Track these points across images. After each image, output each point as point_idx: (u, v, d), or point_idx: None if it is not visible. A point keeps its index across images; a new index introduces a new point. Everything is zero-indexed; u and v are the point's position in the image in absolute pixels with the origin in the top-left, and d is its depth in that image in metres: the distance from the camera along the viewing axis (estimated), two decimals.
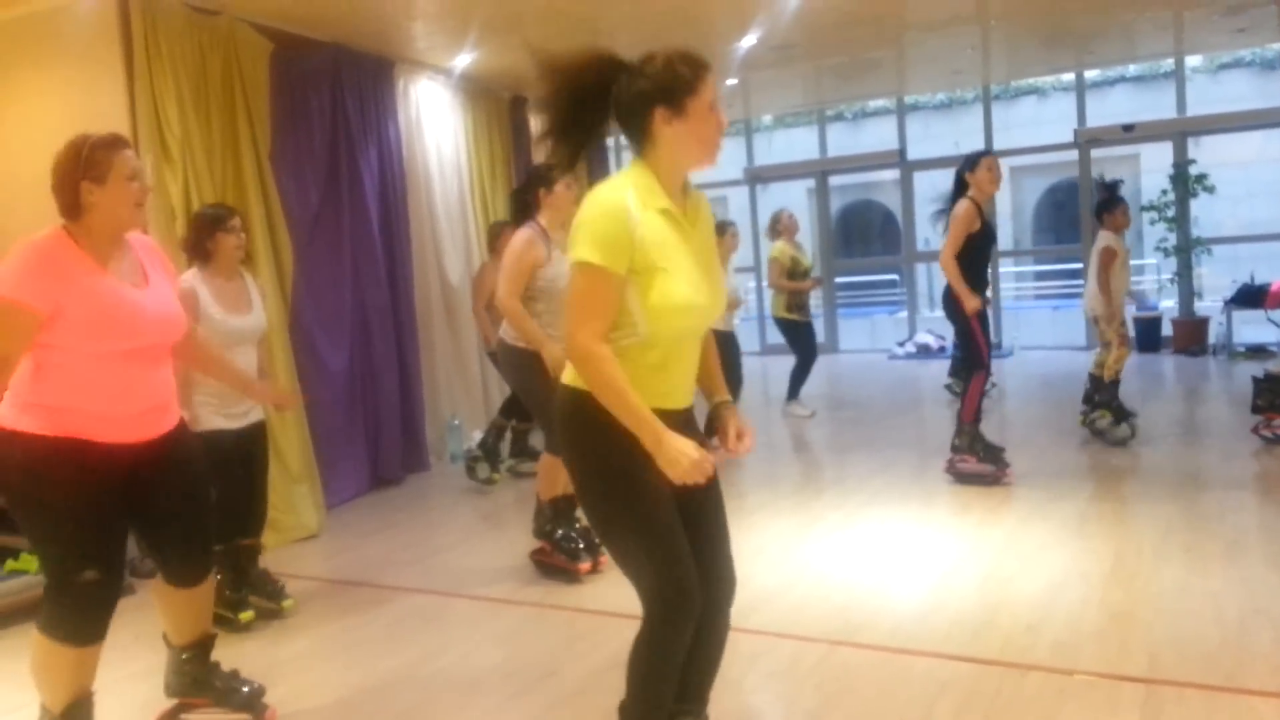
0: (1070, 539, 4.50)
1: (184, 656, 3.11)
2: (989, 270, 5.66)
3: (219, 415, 3.93)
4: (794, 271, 7.93)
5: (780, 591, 4.06)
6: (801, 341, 8.16)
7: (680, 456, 2.14)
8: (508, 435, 6.68)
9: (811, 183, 14.42)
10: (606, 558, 4.29)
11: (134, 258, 2.86)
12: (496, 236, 6.45)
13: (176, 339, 2.93)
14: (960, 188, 5.50)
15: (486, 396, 7.90)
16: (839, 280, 13.71)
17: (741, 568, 4.47)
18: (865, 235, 21.54)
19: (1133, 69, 16.22)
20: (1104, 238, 6.39)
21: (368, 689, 3.42)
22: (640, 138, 2.26)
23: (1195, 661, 3.13)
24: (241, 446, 4.03)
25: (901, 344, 12.28)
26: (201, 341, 3.43)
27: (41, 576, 4.25)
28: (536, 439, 6.52)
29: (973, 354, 5.49)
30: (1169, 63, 12.52)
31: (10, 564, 4.45)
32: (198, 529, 3.01)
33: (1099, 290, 6.34)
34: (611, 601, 4.00)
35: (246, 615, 4.14)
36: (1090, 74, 13.08)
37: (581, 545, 4.45)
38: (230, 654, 3.81)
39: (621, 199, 2.19)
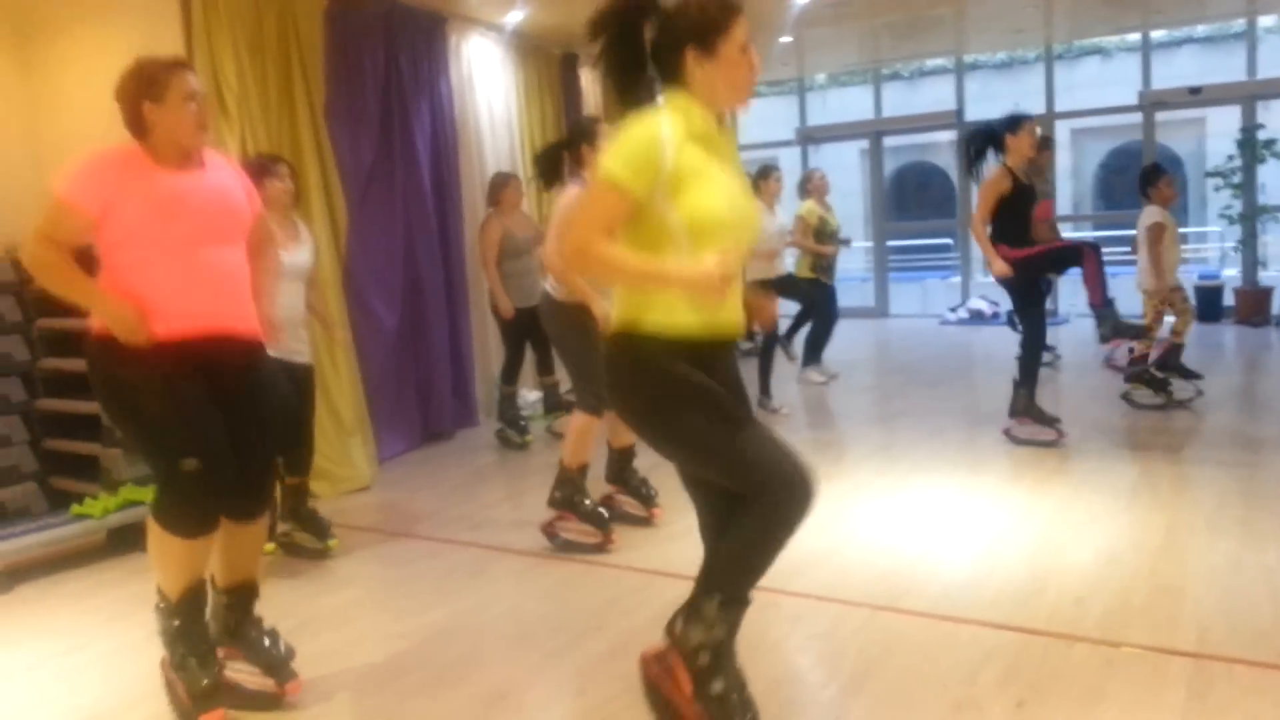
0: (1122, 510, 4.44)
1: (225, 602, 3.06)
2: (1031, 229, 5.53)
3: None
4: (821, 232, 7.80)
5: (824, 556, 4.07)
6: (821, 304, 7.96)
7: (700, 275, 2.16)
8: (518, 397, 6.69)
9: (865, 144, 14.20)
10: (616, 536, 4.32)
11: (198, 161, 2.92)
12: (500, 189, 6.44)
13: (242, 224, 2.97)
14: (993, 144, 5.36)
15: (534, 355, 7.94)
16: (890, 244, 13.52)
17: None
18: (919, 198, 21.21)
19: (1201, 29, 15.73)
20: (1151, 213, 6.33)
21: (415, 639, 3.49)
22: (673, 78, 2.32)
23: (1246, 637, 3.09)
24: (287, 378, 4.10)
25: (954, 309, 12.12)
26: (264, 244, 3.27)
27: (108, 518, 4.45)
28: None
29: (1060, 257, 5.44)
30: (1240, 23, 12.11)
31: (75, 508, 4.59)
32: (261, 462, 3.00)
33: (1150, 266, 6.27)
34: (658, 560, 4.04)
35: (267, 547, 4.18)
36: (1156, 34, 12.70)
37: (607, 515, 4.39)
38: (282, 600, 3.92)
39: (656, 125, 2.24)
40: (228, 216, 2.93)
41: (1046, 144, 7.47)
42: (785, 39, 10.21)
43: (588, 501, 4.39)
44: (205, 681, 2.85)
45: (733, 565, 2.40)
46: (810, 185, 7.98)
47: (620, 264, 2.24)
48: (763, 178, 7.04)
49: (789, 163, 14.55)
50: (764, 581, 3.79)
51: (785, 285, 7.18)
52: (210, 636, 2.94)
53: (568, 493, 4.39)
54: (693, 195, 2.23)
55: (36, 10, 5.52)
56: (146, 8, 5.31)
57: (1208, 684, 2.81)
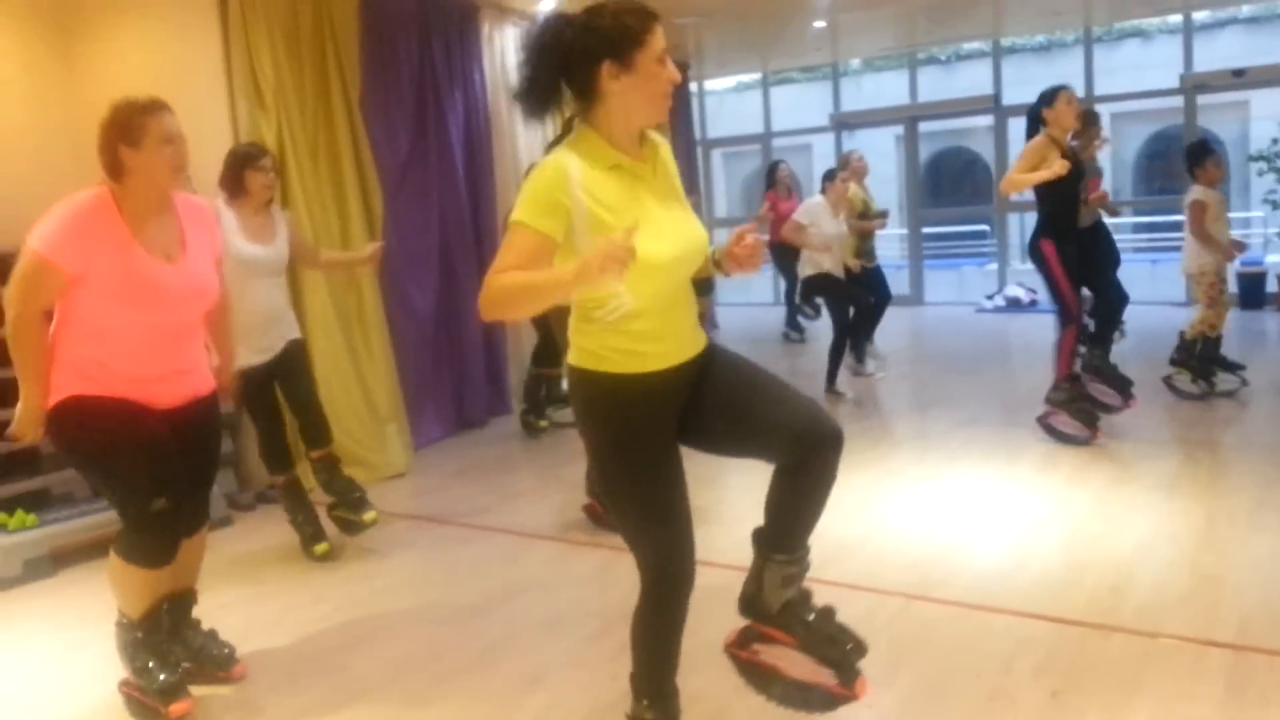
0: (1161, 500, 4.39)
1: (164, 607, 3.08)
2: (1078, 212, 5.38)
3: (247, 352, 4.02)
4: (864, 216, 7.67)
5: (858, 544, 4.06)
6: (873, 288, 7.71)
7: (594, 263, 1.95)
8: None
9: (900, 129, 14.06)
10: None
11: (175, 224, 2.92)
12: None
13: (206, 308, 3.01)
14: (1035, 127, 5.28)
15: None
16: (926, 230, 13.38)
17: (820, 520, 4.47)
18: (955, 184, 20.99)
19: (1245, 9, 15.39)
20: (1194, 191, 6.21)
21: (450, 624, 3.54)
22: (588, 94, 2.17)
23: None
24: (276, 372, 4.23)
25: (990, 297, 11.99)
26: (225, 302, 3.32)
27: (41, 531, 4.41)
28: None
29: (1061, 306, 5.31)
30: None
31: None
32: (204, 481, 3.15)
33: (1200, 245, 6.15)
34: None
35: (322, 548, 4.31)
36: (1198, 15, 12.43)
37: None
38: (317, 584, 3.99)
39: (560, 162, 2.13)
40: (201, 305, 2.98)
41: (1094, 120, 7.33)
42: (819, 24, 10.13)
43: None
44: (165, 677, 2.92)
45: (637, 657, 2.44)
46: (848, 169, 7.85)
47: (517, 284, 2.08)
48: (828, 179, 7.15)
49: (823, 149, 14.48)
50: None
51: (826, 284, 7.11)
52: (172, 642, 3.04)
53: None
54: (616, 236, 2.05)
55: (79, 5, 5.60)
56: (185, 2, 5.37)
57: (1248, 676, 2.78)
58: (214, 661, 3.19)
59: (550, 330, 6.44)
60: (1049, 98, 5.26)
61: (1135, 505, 4.34)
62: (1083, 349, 5.45)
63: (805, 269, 7.08)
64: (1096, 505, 4.38)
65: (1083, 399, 5.39)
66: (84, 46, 5.65)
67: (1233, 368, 6.34)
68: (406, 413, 6.08)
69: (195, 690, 3.05)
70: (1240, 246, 6.48)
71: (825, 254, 6.92)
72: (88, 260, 2.72)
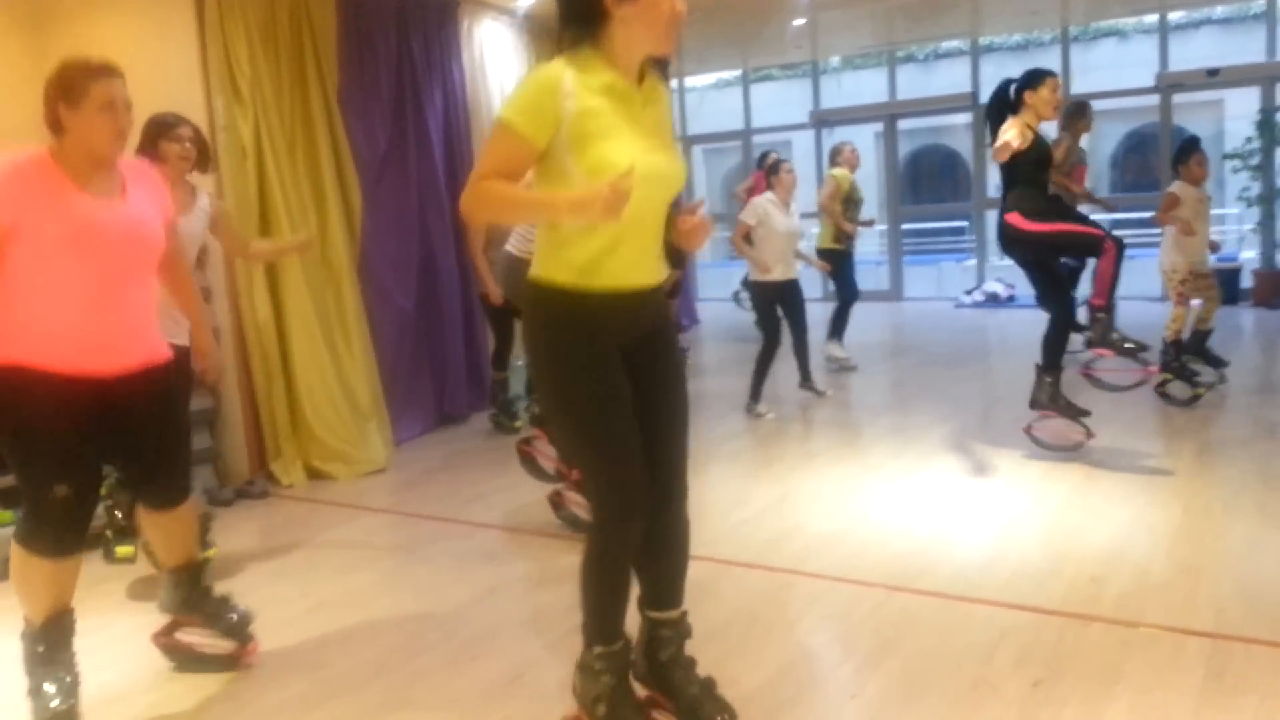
0: (1139, 492, 4.42)
1: (174, 580, 3.15)
2: (1046, 198, 4.98)
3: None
4: (850, 199, 7.69)
5: (839, 536, 4.07)
6: (844, 276, 7.78)
7: (590, 199, 2.06)
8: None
9: (879, 126, 14.12)
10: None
11: (117, 177, 2.83)
12: None
13: (151, 259, 2.88)
14: (1009, 106, 4.88)
15: None
16: (905, 227, 13.44)
17: (800, 512, 4.50)
18: (933, 180, 21.10)
19: (1219, 10, 15.57)
20: (1173, 185, 6.24)
21: (431, 620, 3.51)
22: (592, 18, 2.23)
23: (1265, 618, 3.08)
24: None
25: (969, 292, 12.07)
26: (178, 261, 3.22)
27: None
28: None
29: (1084, 244, 4.83)
30: (1259, 3, 11.96)
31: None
32: (179, 455, 3.08)
33: (1173, 250, 6.14)
34: None
35: (125, 550, 3.95)
36: (1174, 15, 12.54)
37: None
38: (298, 581, 3.95)
39: (555, 71, 2.20)
40: (143, 251, 2.85)
41: (1084, 111, 7.38)
42: (799, 21, 10.15)
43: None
44: (56, 704, 2.78)
45: (586, 603, 2.43)
46: (841, 158, 7.91)
47: (507, 196, 2.19)
48: (773, 173, 6.64)
49: (803, 146, 14.49)
50: (779, 562, 3.85)
51: (771, 294, 6.51)
52: (75, 666, 2.88)
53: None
54: (596, 149, 2.17)
55: None
56: None
57: (1225, 664, 2.80)
58: (231, 628, 3.16)
59: (507, 333, 6.40)
60: (1034, 80, 4.87)
61: (1113, 497, 4.37)
62: (1085, 334, 5.12)
63: (752, 271, 6.51)
64: (1075, 497, 4.41)
65: (1114, 329, 4.88)
66: (57, 41, 5.56)
67: (1216, 363, 6.34)
68: (387, 408, 6.05)
69: (184, 683, 3.03)
70: (1213, 246, 6.49)
71: (775, 254, 6.37)
72: (20, 208, 2.63)
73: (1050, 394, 5.03)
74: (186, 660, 3.18)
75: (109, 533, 3.95)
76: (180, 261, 3.21)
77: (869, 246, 15.37)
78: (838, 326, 7.90)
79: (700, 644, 3.16)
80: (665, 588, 2.52)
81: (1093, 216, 5.66)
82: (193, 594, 3.17)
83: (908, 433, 5.88)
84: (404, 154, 6.46)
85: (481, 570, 3.99)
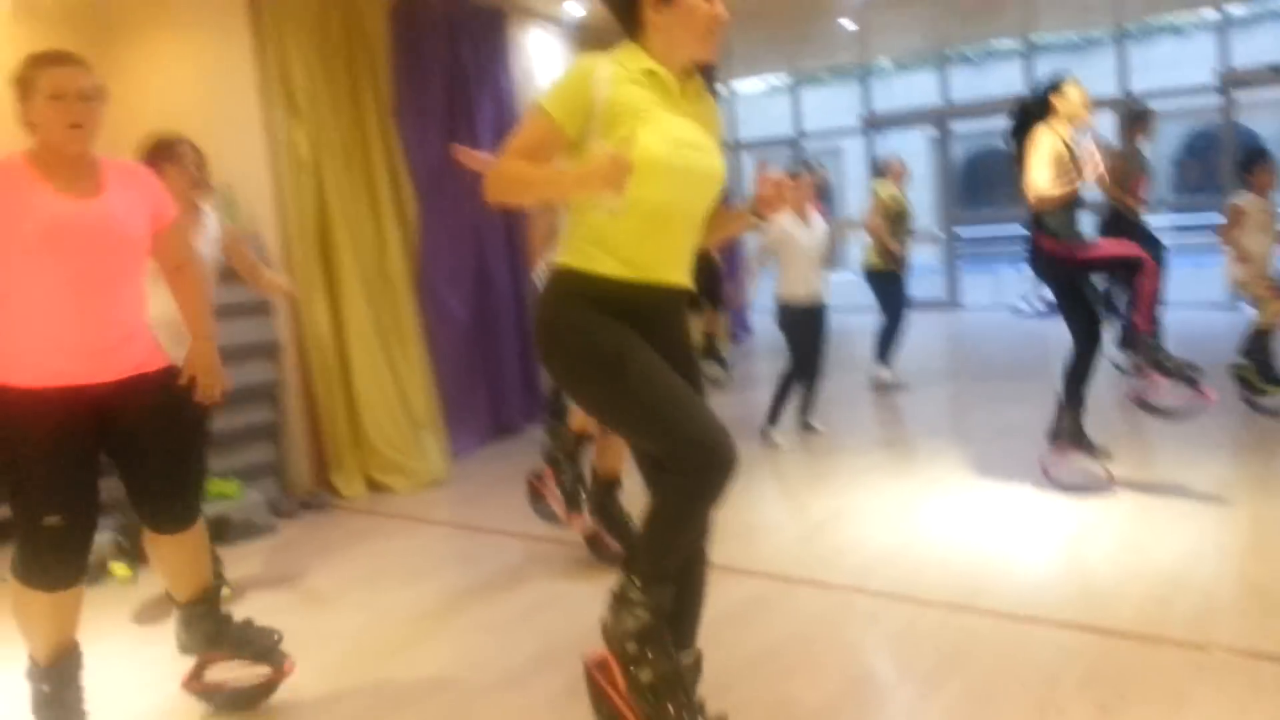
0: (1208, 509, 4.31)
1: (194, 613, 2.95)
2: (1076, 220, 4.62)
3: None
4: (894, 213, 7.44)
5: (898, 553, 4.03)
6: (891, 298, 7.47)
7: (593, 170, 2.06)
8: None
9: (932, 130, 13.96)
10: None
11: (95, 174, 2.72)
12: None
13: (132, 260, 2.75)
14: (1035, 115, 4.58)
15: None
16: (960, 233, 13.27)
17: (858, 528, 4.44)
18: (990, 185, 20.79)
19: None
20: (1238, 196, 6.05)
21: (490, 634, 3.54)
22: (634, 24, 2.26)
23: None
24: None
25: (1025, 298, 11.88)
26: (182, 267, 3.03)
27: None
28: None
29: (1119, 266, 4.55)
30: None
31: None
32: (179, 472, 2.88)
33: (1234, 255, 5.97)
34: (728, 556, 4.00)
35: (122, 570, 4.01)
36: (1235, 9, 12.24)
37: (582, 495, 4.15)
38: (359, 595, 4.00)
39: (592, 61, 2.22)
40: (121, 250, 2.70)
41: (1145, 117, 7.21)
42: (848, 23, 10.08)
43: (568, 468, 4.21)
44: None
45: (651, 541, 2.26)
46: (889, 173, 7.68)
47: (520, 173, 2.18)
48: (793, 177, 6.17)
49: (854, 150, 14.39)
50: (838, 578, 3.81)
51: (794, 319, 6.04)
52: (82, 705, 2.79)
53: (556, 446, 4.31)
54: (626, 131, 2.14)
55: (114, 16, 5.66)
56: (218, 12, 5.43)
57: None
58: (262, 651, 2.99)
59: None
60: (1056, 85, 4.59)
61: (1181, 514, 4.26)
62: (1126, 356, 4.88)
63: (779, 287, 6.00)
64: (1141, 513, 4.31)
65: (1162, 352, 4.49)
66: (121, 56, 5.71)
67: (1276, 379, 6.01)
68: (444, 420, 6.11)
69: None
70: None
71: (799, 273, 5.94)
72: None
73: (1071, 429, 4.72)
74: (224, 701, 3.02)
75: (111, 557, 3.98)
76: (185, 268, 3.03)
77: (922, 254, 15.20)
78: (884, 349, 7.57)
79: (757, 663, 3.15)
80: (679, 627, 2.40)
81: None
82: (213, 627, 2.98)
83: (967, 446, 5.79)
84: (457, 165, 6.50)
85: (540, 583, 4.01)
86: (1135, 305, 4.48)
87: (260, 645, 3.00)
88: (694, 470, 2.16)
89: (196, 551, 2.95)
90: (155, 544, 2.92)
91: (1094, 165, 4.37)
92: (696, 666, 2.46)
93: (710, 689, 2.90)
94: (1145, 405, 4.64)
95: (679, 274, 2.33)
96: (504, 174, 2.20)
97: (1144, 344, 4.46)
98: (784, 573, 3.91)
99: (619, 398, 2.21)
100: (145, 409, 2.75)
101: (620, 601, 2.28)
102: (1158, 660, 2.97)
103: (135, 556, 4.00)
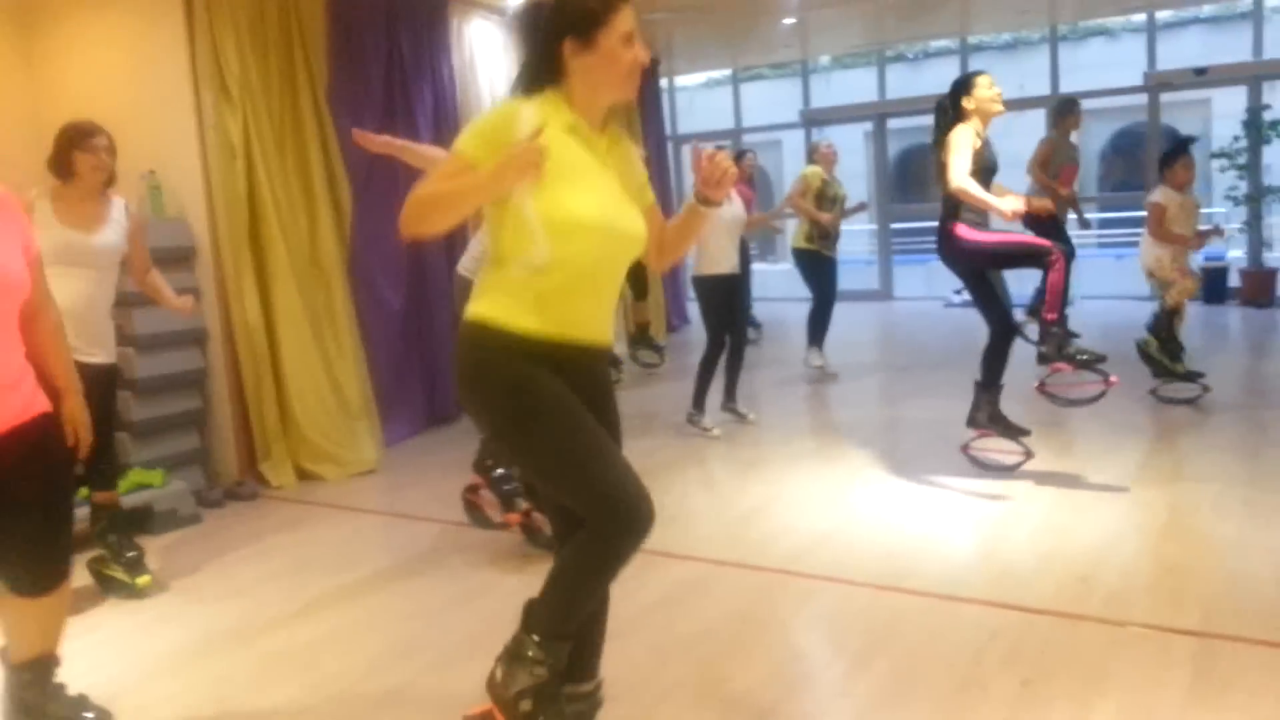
0: (1126, 492, 4.44)
1: (21, 679, 2.67)
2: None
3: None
4: (823, 195, 7.38)
5: (828, 536, 4.08)
6: (820, 278, 7.44)
7: (507, 162, 2.00)
8: None
9: (869, 126, 14.14)
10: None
11: None
12: None
13: (10, 304, 2.44)
14: (952, 117, 4.60)
15: None
16: (894, 226, 13.47)
17: (789, 512, 4.49)
18: (922, 180, 21.12)
19: (1207, 9, 15.63)
20: (1155, 192, 6.08)
21: (424, 620, 3.52)
22: (555, 71, 2.19)
23: (1251, 616, 3.10)
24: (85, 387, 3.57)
25: (959, 291, 12.08)
26: (41, 308, 2.67)
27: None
28: None
29: (1029, 254, 4.55)
30: (1246, 2, 12.04)
31: (83, 491, 4.58)
32: (50, 531, 2.59)
33: (1154, 244, 6.03)
34: (655, 541, 4.03)
35: (144, 580, 3.89)
36: (1162, 14, 12.59)
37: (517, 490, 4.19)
38: (288, 583, 3.94)
39: (516, 106, 2.16)
40: (6, 295, 2.41)
41: (1073, 108, 7.36)
42: (789, 20, 10.17)
43: (500, 470, 4.26)
44: None
45: (554, 599, 2.19)
46: (817, 155, 7.63)
47: (434, 193, 2.07)
48: (736, 160, 6.35)
49: (793, 145, 14.53)
50: (769, 562, 3.86)
51: (714, 291, 6.03)
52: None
53: (483, 454, 4.38)
54: (551, 189, 2.08)
55: None
56: None
57: (1212, 662, 2.82)
58: None
59: None
60: (966, 83, 4.61)
61: (1101, 496, 4.39)
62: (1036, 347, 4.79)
63: (697, 265, 6.04)
64: (1063, 497, 4.43)
65: (1069, 342, 4.59)
66: (45, 40, 5.55)
67: (1192, 377, 6.08)
68: (377, 409, 6.04)
69: (171, 685, 3.01)
70: (1219, 232, 6.40)
71: (710, 247, 5.90)
72: None
73: (989, 413, 4.82)
74: None
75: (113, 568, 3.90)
76: (45, 312, 2.67)
77: (857, 246, 15.40)
78: (816, 332, 7.57)
79: (691, 644, 3.18)
80: (584, 659, 2.34)
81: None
82: (35, 699, 2.69)
83: (896, 432, 5.90)
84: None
85: (472, 571, 3.99)
86: (1043, 297, 4.56)
87: None
88: (608, 530, 2.12)
89: (54, 615, 2.68)
90: (9, 603, 2.61)
91: (1016, 200, 4.46)
92: (597, 694, 2.40)
93: (643, 671, 2.94)
94: (1051, 395, 4.76)
95: (601, 332, 2.27)
96: (418, 199, 2.09)
97: (1050, 335, 4.54)
98: (716, 556, 3.94)
99: (537, 449, 2.16)
100: (18, 466, 2.46)
101: (515, 658, 2.20)
102: (1078, 637, 3.06)
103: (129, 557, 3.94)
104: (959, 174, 4.43)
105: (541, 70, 2.20)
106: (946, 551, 3.89)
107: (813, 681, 3.00)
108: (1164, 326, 6.09)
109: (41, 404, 2.55)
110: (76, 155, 3.71)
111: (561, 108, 2.17)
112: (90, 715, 2.75)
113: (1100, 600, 3.30)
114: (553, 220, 2.10)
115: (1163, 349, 6.07)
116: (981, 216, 4.61)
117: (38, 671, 2.68)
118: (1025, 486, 4.61)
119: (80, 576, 3.98)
